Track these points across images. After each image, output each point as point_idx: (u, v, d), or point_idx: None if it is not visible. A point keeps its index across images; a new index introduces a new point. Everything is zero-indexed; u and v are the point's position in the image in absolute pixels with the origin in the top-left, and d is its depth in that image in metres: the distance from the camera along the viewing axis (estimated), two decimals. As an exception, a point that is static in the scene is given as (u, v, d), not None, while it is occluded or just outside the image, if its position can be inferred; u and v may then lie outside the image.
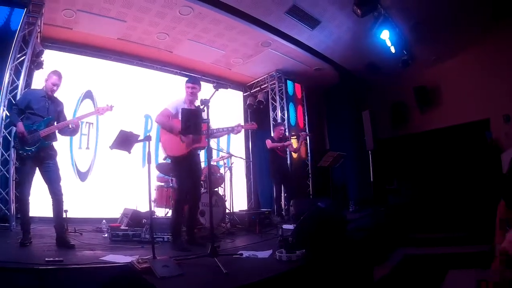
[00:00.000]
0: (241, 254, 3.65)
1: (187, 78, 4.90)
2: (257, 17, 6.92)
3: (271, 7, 6.54)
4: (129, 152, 3.84)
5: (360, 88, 9.96)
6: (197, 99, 4.55)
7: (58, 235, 4.17)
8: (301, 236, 3.68)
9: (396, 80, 9.19)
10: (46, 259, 3.14)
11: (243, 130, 5.17)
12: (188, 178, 4.47)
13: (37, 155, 4.19)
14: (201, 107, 3.74)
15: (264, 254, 3.66)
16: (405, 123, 9.48)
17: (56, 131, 4.38)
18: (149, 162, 3.52)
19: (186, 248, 4.10)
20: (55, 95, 4.52)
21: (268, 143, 7.33)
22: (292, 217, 6.68)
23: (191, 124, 3.86)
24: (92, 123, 7.60)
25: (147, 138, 3.64)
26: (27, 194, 4.21)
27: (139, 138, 3.84)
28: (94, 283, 2.84)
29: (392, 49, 7.14)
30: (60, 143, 4.74)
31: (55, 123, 4.37)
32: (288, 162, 8.78)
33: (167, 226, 4.90)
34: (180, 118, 4.13)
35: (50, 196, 4.25)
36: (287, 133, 8.76)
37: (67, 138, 6.66)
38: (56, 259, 3.16)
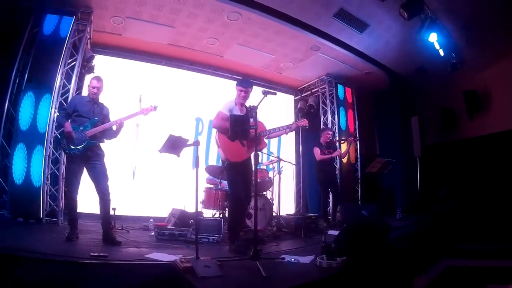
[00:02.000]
0: (283, 259, 3.66)
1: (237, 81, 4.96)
2: (305, 22, 6.91)
3: (318, 11, 6.52)
4: (178, 156, 3.96)
5: (409, 92, 9.68)
6: (248, 98, 4.63)
7: (105, 232, 4.35)
8: (343, 243, 3.64)
9: (444, 84, 8.80)
10: (91, 253, 3.26)
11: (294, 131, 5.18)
12: (241, 182, 4.48)
13: (85, 154, 4.38)
14: (249, 113, 3.78)
15: (306, 259, 3.65)
16: (454, 129, 9.05)
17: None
18: (197, 166, 3.64)
19: (243, 250, 4.02)
20: (101, 100, 4.73)
21: (317, 153, 7.18)
22: (338, 222, 6.60)
23: (238, 130, 3.91)
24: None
25: (196, 143, 3.76)
26: (75, 192, 4.42)
27: (188, 143, 3.94)
28: (136, 279, 2.94)
29: (441, 52, 6.87)
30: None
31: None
32: (337, 167, 8.71)
33: (213, 227, 5.03)
34: None
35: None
36: (336, 138, 8.70)
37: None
38: (101, 254, 3.27)
